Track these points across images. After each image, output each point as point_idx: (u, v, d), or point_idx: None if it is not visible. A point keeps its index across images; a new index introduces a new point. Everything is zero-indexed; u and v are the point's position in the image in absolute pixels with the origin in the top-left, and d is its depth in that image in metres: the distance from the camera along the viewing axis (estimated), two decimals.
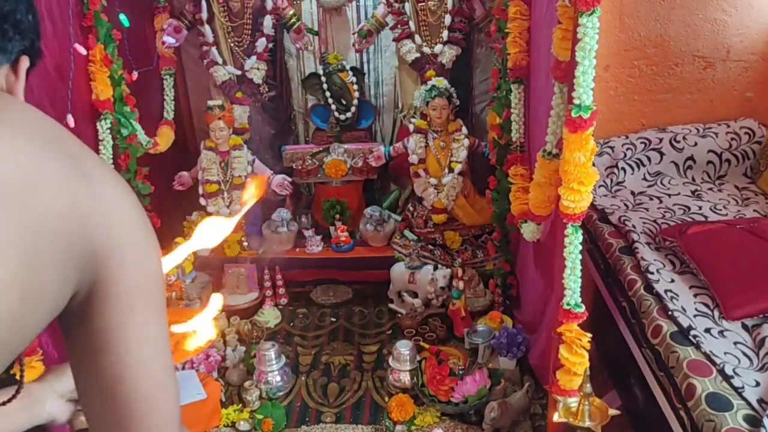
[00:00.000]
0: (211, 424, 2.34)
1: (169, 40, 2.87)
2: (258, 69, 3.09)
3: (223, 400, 2.45)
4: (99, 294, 0.65)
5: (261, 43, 3.05)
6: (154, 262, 0.70)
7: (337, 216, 3.13)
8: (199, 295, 2.88)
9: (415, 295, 2.95)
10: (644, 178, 2.78)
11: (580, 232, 1.70)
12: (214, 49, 3.03)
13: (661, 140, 2.80)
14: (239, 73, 3.09)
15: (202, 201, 3.02)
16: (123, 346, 0.67)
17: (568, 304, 1.76)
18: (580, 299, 1.77)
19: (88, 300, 0.65)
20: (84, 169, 0.64)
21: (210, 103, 2.94)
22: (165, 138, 2.93)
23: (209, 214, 3.07)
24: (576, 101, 1.56)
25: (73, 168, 0.63)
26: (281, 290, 3.05)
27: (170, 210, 3.08)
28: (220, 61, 3.06)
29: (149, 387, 0.69)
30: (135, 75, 2.70)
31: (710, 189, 2.69)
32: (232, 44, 3.05)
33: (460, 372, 2.41)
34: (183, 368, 2.57)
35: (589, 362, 1.78)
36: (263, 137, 3.22)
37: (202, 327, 1.25)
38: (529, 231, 2.28)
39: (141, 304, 0.67)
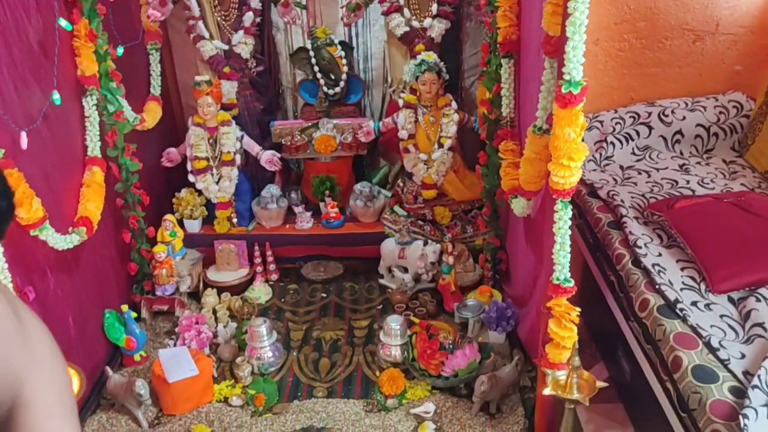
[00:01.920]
0: (203, 399, 2.36)
1: (155, 13, 2.82)
2: (245, 44, 3.05)
3: (216, 375, 2.47)
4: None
5: (248, 17, 3.02)
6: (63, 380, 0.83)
7: (327, 192, 3.12)
8: (189, 272, 2.88)
9: (405, 270, 2.97)
10: (633, 153, 2.79)
11: (570, 207, 1.71)
12: (200, 23, 2.99)
13: (649, 114, 2.80)
14: (226, 47, 3.05)
15: (191, 177, 3.00)
16: None
17: (557, 279, 1.78)
18: (569, 274, 1.78)
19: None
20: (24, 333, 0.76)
21: (197, 78, 2.90)
22: (152, 114, 2.90)
23: (197, 190, 3.06)
24: (566, 76, 1.55)
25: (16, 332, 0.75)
26: (272, 266, 3.06)
27: (159, 187, 3.06)
28: (206, 35, 3.02)
29: None
30: (121, 50, 2.65)
31: (698, 163, 2.70)
32: (218, 18, 3.01)
33: (450, 346, 2.43)
34: (175, 345, 2.59)
35: (578, 335, 1.81)
36: (252, 113, 3.19)
37: None
38: (519, 206, 2.29)
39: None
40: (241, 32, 3.03)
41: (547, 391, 1.81)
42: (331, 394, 2.40)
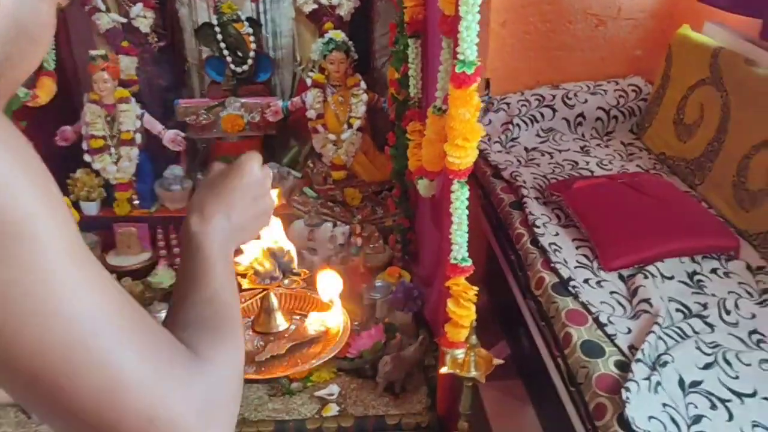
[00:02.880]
0: None
1: None
2: (145, 17, 2.91)
3: None
4: None
5: None
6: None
7: None
8: None
9: (314, 252, 2.94)
10: (537, 135, 2.84)
11: (467, 187, 1.72)
12: None
13: (554, 97, 2.86)
14: (124, 21, 2.91)
15: (87, 157, 2.86)
16: None
17: (455, 259, 1.79)
18: (467, 254, 1.80)
19: None
20: None
21: (92, 52, 2.76)
22: (45, 90, 2.74)
23: (94, 171, 2.91)
24: (460, 56, 1.55)
25: None
26: (176, 250, 2.96)
27: (53, 167, 2.86)
28: (103, 7, 2.87)
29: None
30: None
31: (598, 145, 2.78)
32: None
33: (356, 328, 2.43)
34: None
35: (484, 314, 1.83)
36: (154, 90, 3.06)
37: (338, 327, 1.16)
38: (423, 187, 2.29)
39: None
40: (139, 5, 2.89)
41: (444, 370, 1.83)
42: None
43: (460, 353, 1.84)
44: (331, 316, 1.17)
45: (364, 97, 2.97)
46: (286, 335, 1.15)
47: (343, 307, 1.19)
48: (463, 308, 1.80)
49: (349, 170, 3.09)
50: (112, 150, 2.87)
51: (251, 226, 0.89)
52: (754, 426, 1.45)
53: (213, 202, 0.81)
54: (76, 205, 2.86)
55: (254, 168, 0.89)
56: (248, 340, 1.14)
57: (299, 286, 1.17)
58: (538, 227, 2.15)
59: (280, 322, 1.17)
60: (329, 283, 1.19)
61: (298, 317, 1.21)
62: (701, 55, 2.48)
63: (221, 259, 0.77)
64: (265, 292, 1.16)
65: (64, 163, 2.98)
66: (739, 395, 1.53)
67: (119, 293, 0.56)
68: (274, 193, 0.96)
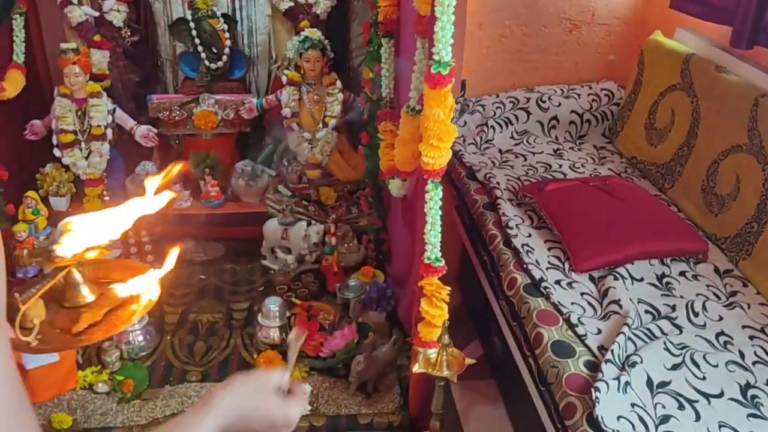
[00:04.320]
0: (66, 386, 2.22)
1: None
2: (118, 11, 2.86)
3: (80, 362, 2.33)
4: None
5: None
6: None
7: (208, 170, 3.01)
8: None
9: (288, 251, 2.92)
10: (512, 137, 2.87)
11: (440, 188, 1.72)
12: None
13: (528, 100, 2.88)
14: (97, 14, 2.85)
15: (57, 152, 2.81)
16: None
17: (428, 259, 1.79)
18: (440, 254, 1.80)
19: None
20: None
21: (63, 46, 2.70)
22: (13, 83, 2.68)
23: (64, 166, 2.86)
24: (435, 57, 1.55)
25: None
26: (147, 247, 2.92)
27: (23, 161, 2.84)
28: (75, 0, 2.82)
29: None
30: None
31: (571, 148, 2.81)
32: None
33: (330, 327, 2.42)
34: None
35: (458, 314, 1.83)
36: (127, 85, 3.01)
37: (147, 288, 1.20)
38: (395, 187, 2.30)
39: None
40: None
41: (416, 369, 1.83)
42: (205, 378, 2.33)
43: (432, 352, 1.84)
44: (138, 280, 1.22)
45: (340, 96, 2.96)
46: (97, 305, 1.22)
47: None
48: (435, 308, 1.81)
49: (324, 169, 3.08)
50: (83, 145, 2.82)
51: None
52: (720, 426, 1.48)
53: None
54: (45, 200, 2.81)
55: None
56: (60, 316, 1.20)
57: (103, 256, 1.22)
58: (511, 228, 2.16)
59: (86, 294, 1.23)
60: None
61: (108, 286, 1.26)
62: (673, 61, 2.52)
63: None
64: (67, 270, 1.21)
65: (33, 158, 2.92)
66: (707, 396, 1.56)
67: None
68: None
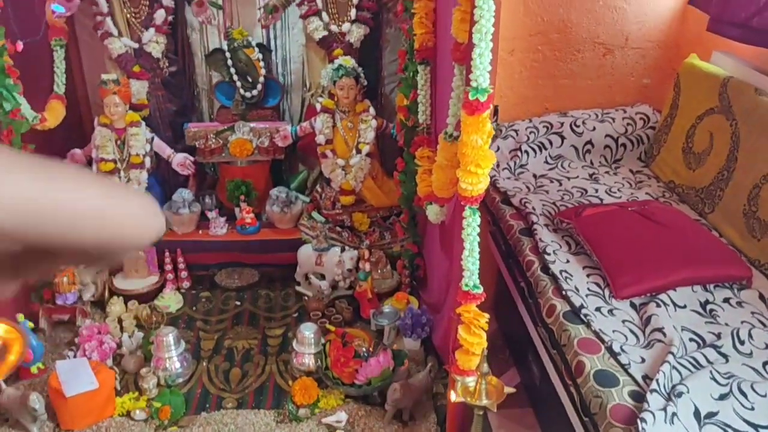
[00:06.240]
0: (104, 414, 2.24)
1: (59, 9, 2.68)
2: (157, 42, 2.94)
3: (118, 388, 2.36)
4: None
5: (159, 15, 2.91)
6: None
7: (243, 197, 3.04)
8: (93, 280, 2.75)
9: (322, 277, 2.93)
10: (546, 162, 2.84)
11: (478, 214, 1.71)
12: (108, 19, 2.86)
13: (562, 124, 2.86)
14: (136, 46, 2.93)
15: None
16: None
17: (466, 285, 1.78)
18: (478, 280, 1.79)
19: None
20: None
21: (104, 76, 2.78)
22: (54, 113, 2.76)
23: None
24: (473, 83, 1.55)
25: None
26: (183, 273, 2.96)
27: None
28: (115, 32, 2.90)
29: None
30: (20, 45, 2.50)
31: (607, 172, 2.78)
32: (128, 15, 2.90)
33: (365, 354, 2.41)
34: (75, 356, 2.45)
35: (494, 341, 1.81)
36: (164, 114, 3.08)
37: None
38: (433, 213, 2.29)
39: None
40: (152, 30, 2.92)
41: (454, 398, 1.81)
42: (241, 405, 2.33)
43: (471, 381, 1.82)
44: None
45: (373, 122, 2.98)
46: None
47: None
48: (474, 335, 1.79)
49: (358, 195, 3.10)
50: (122, 173, 2.88)
51: None
52: None
53: None
54: None
55: None
56: None
57: None
58: (548, 254, 2.14)
59: None
60: None
61: None
62: (710, 84, 2.49)
63: None
64: None
65: None
66: (755, 426, 1.50)
67: None
68: None
